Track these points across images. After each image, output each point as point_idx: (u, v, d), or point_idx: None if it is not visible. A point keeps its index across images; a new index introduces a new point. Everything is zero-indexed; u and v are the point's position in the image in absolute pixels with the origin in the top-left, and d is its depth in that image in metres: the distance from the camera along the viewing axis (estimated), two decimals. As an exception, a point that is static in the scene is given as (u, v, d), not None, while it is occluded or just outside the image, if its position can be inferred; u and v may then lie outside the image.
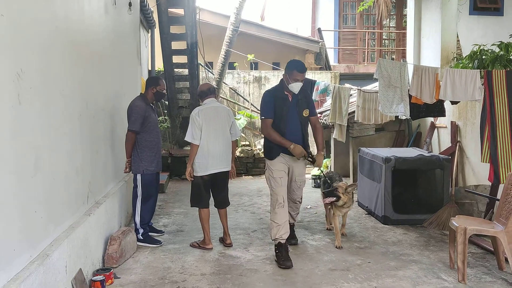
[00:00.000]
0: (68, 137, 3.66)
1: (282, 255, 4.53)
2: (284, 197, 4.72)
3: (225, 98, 11.48)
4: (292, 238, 5.05)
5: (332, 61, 14.99)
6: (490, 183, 5.62)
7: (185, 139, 5.00)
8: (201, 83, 10.93)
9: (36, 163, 2.97)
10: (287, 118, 4.69)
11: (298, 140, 4.72)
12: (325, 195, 5.19)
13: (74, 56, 3.84)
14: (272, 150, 4.79)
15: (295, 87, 4.66)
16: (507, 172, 4.62)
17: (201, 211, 5.05)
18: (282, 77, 4.85)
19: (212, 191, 5.14)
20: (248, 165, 10.38)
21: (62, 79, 3.54)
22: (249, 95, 11.93)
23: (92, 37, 4.50)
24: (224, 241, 5.19)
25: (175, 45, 9.75)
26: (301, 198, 5.14)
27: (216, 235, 5.39)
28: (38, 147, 3.02)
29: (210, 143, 4.90)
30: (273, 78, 12.02)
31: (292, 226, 5.17)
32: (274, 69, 12.64)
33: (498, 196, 5.04)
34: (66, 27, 3.67)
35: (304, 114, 4.79)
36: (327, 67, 14.32)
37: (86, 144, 4.17)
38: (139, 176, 5.05)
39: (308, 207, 7.10)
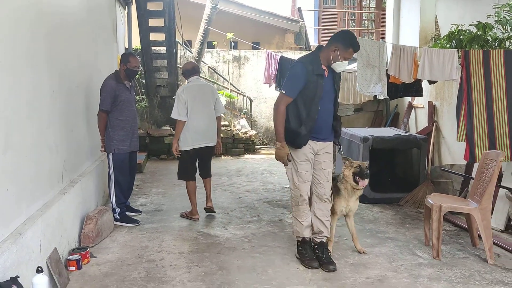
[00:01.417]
0: (40, 114, 3.55)
1: (307, 253, 3.98)
2: (308, 192, 3.99)
3: (204, 78, 11.34)
4: (330, 264, 3.89)
5: (312, 41, 14.93)
6: (465, 162, 5.72)
7: (171, 116, 5.15)
8: (179, 61, 10.80)
9: (6, 140, 2.88)
10: (320, 99, 3.81)
11: (328, 128, 3.98)
12: (367, 176, 4.08)
13: (46, 31, 3.71)
14: (299, 136, 3.82)
15: (341, 66, 3.85)
16: (483, 151, 4.69)
17: (188, 183, 5.30)
18: (317, 48, 3.97)
19: (198, 164, 5.39)
20: (227, 145, 10.33)
21: (33, 54, 3.42)
22: (229, 74, 11.82)
23: (65, 11, 4.35)
24: (206, 204, 5.48)
25: (153, 22, 9.55)
26: (331, 196, 4.11)
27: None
28: (8, 124, 2.92)
29: (194, 119, 5.09)
30: (253, 58, 11.92)
31: (326, 245, 4.04)
32: (254, 48, 12.52)
33: (473, 175, 5.13)
34: (38, 0, 3.53)
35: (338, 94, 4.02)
36: (307, 47, 14.27)
37: (60, 122, 4.07)
38: (111, 155, 4.99)
39: (287, 186, 7.12)
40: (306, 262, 3.94)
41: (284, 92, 3.85)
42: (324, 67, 3.86)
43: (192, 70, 5.35)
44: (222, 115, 5.59)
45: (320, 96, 3.80)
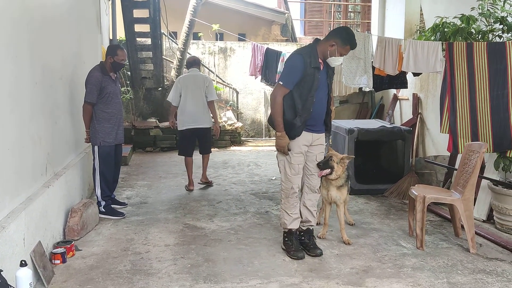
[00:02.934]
0: (23, 106, 3.50)
1: (293, 244, 4.02)
2: (299, 185, 4.04)
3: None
4: (316, 248, 4.05)
5: (298, 33, 14.93)
6: (448, 154, 5.79)
7: (167, 99, 6.39)
8: (164, 53, 10.73)
9: (-12, 133, 2.84)
10: (316, 91, 3.86)
11: (321, 120, 4.03)
12: (320, 167, 4.10)
13: (28, 22, 3.64)
14: (294, 126, 3.85)
15: (336, 61, 3.91)
16: (465, 142, 4.74)
17: (185, 159, 6.36)
18: (314, 41, 3.99)
19: (198, 143, 6.46)
20: (213, 137, 10.29)
21: (15, 45, 3.35)
22: (214, 66, 11.77)
23: (48, 2, 4.28)
24: (200, 180, 6.49)
25: (137, 13, 9.45)
26: (320, 187, 4.26)
27: (186, 207, 5.36)
28: (-10, 116, 2.88)
29: (187, 104, 6.15)
30: (239, 49, 11.88)
31: (312, 232, 4.17)
32: (240, 40, 12.47)
33: (456, 166, 5.20)
34: (18, -10, 3.47)
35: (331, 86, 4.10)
36: (293, 39, 14.27)
37: (44, 114, 4.01)
38: (96, 148, 4.96)
39: (273, 178, 7.15)
40: (292, 253, 3.97)
41: (281, 83, 3.86)
42: (320, 61, 3.89)
43: (193, 62, 6.41)
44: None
45: (316, 89, 3.84)
